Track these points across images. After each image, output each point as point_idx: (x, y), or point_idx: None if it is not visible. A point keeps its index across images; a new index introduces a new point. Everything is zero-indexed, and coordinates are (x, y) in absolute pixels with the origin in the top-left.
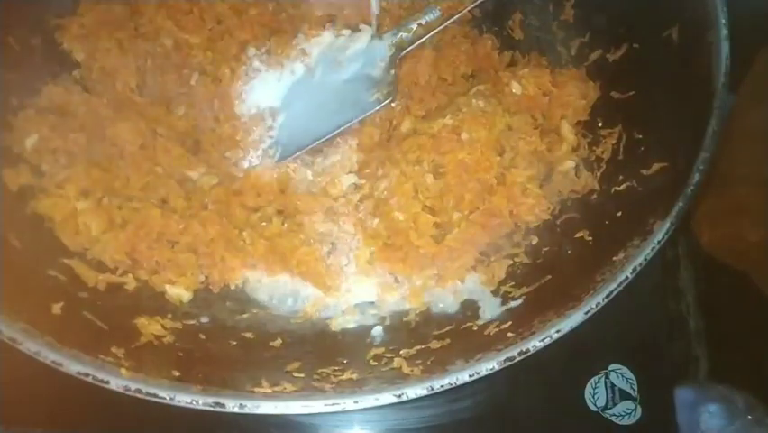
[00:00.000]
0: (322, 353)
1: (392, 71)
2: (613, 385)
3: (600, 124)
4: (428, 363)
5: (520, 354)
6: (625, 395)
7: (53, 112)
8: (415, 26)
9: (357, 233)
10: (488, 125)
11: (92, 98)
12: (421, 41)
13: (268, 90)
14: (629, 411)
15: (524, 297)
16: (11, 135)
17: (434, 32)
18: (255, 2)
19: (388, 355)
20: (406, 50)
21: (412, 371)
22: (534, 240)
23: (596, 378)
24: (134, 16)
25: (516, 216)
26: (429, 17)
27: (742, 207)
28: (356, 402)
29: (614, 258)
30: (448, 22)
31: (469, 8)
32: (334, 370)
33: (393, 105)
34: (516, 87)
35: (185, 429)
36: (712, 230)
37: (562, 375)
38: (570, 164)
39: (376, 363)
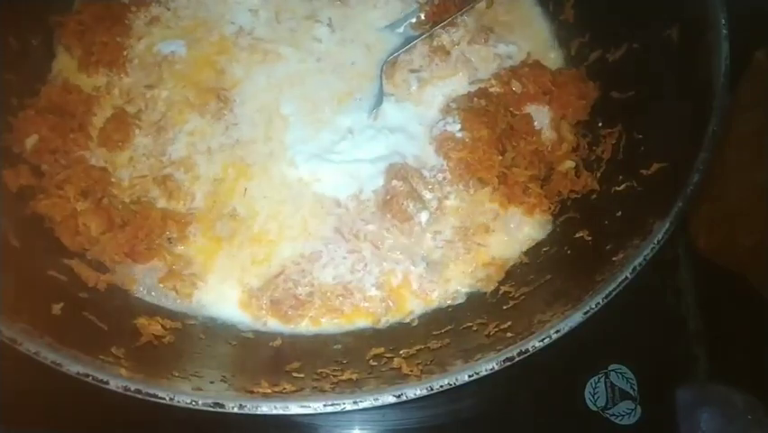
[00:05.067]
0: (322, 353)
1: (379, 77)
2: (613, 385)
3: (600, 124)
4: (428, 363)
5: (520, 354)
6: (625, 395)
7: (53, 112)
8: (400, 31)
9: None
10: (489, 125)
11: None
12: (408, 46)
13: None
14: (629, 411)
15: (524, 297)
16: (11, 135)
17: (419, 38)
18: None
19: (388, 355)
20: (392, 56)
21: (411, 371)
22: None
23: (596, 378)
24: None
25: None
26: (413, 21)
27: (737, 212)
28: (356, 402)
29: (614, 258)
30: (435, 28)
31: (454, 16)
32: (334, 370)
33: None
34: (516, 86)
35: (185, 429)
36: (708, 235)
37: (562, 375)
38: (570, 164)
39: (376, 364)
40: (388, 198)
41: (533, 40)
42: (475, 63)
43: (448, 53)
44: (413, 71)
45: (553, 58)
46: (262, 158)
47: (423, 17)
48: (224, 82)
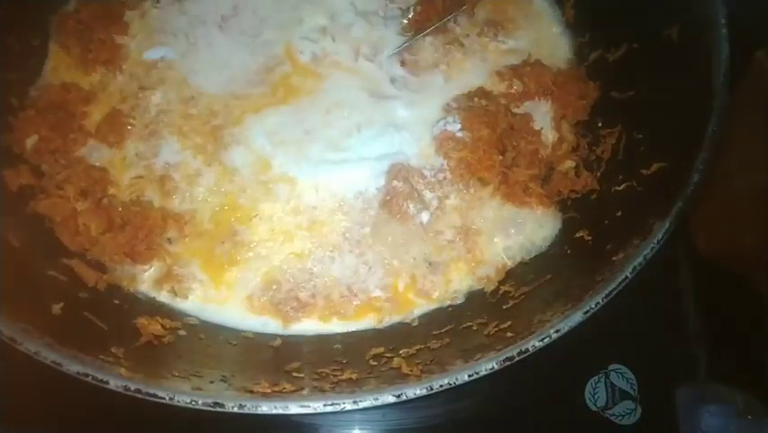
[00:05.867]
0: (321, 352)
1: (382, 73)
2: (613, 385)
3: (600, 124)
4: (428, 362)
5: (520, 353)
6: (625, 395)
7: (53, 110)
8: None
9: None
10: (490, 124)
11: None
12: (399, 48)
13: None
14: (629, 411)
15: (524, 296)
16: (11, 135)
17: (403, 44)
18: None
19: (388, 355)
20: (390, 55)
21: (411, 370)
22: None
23: (596, 378)
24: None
25: None
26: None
27: (737, 212)
28: (356, 402)
29: (613, 258)
30: (418, 36)
31: (437, 25)
32: (334, 370)
33: None
34: (517, 85)
35: (185, 429)
36: (708, 235)
37: (562, 375)
38: (570, 164)
39: (375, 363)
40: (388, 198)
41: (541, 37)
42: (486, 58)
43: (462, 45)
44: (423, 67)
45: (561, 55)
46: (265, 157)
47: (406, 23)
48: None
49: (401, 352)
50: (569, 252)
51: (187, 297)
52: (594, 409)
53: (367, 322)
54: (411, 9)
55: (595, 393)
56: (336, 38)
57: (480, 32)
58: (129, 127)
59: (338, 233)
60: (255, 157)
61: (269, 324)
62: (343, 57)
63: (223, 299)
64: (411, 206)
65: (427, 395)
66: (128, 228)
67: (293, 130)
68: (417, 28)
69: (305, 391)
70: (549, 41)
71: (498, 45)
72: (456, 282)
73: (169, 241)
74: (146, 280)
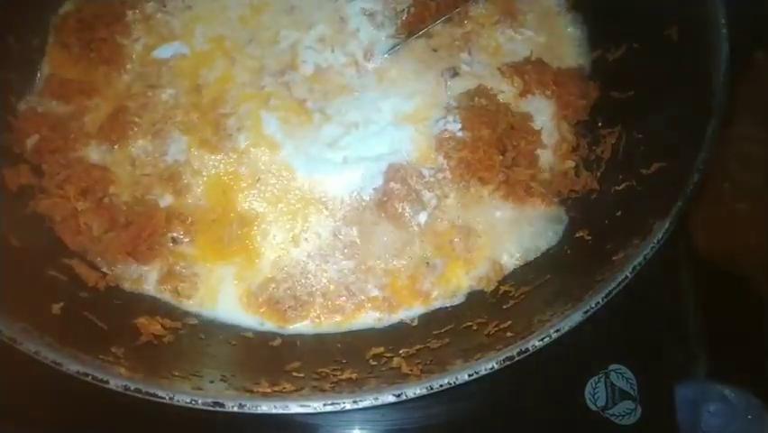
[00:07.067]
0: (321, 352)
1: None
2: (613, 385)
3: (600, 124)
4: (428, 362)
5: (520, 353)
6: (625, 395)
7: (55, 105)
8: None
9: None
10: (490, 124)
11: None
12: (392, 49)
13: None
14: (629, 411)
15: (523, 296)
16: (11, 135)
17: (395, 47)
18: None
19: (388, 355)
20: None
21: (411, 370)
22: None
23: (596, 378)
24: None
25: None
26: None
27: (737, 212)
28: (355, 402)
29: (613, 258)
30: (411, 38)
31: (429, 27)
32: (334, 369)
33: None
34: (517, 83)
35: (185, 429)
36: (708, 235)
37: (562, 375)
38: (570, 164)
39: (375, 363)
40: (385, 199)
41: (552, 32)
42: (503, 47)
43: (479, 34)
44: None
45: (573, 53)
46: (265, 156)
47: (399, 24)
48: (227, 81)
49: (401, 352)
50: (569, 252)
51: (189, 296)
52: (594, 409)
53: (366, 322)
54: (405, 11)
55: (595, 393)
56: (335, 46)
57: (497, 21)
58: (134, 127)
59: (334, 232)
60: (264, 141)
61: (269, 323)
62: (344, 65)
63: (224, 296)
64: (408, 207)
65: (427, 395)
66: (131, 228)
67: (297, 124)
68: (410, 30)
69: (305, 391)
70: (562, 36)
71: (515, 36)
72: (456, 282)
73: (174, 240)
74: (148, 279)
